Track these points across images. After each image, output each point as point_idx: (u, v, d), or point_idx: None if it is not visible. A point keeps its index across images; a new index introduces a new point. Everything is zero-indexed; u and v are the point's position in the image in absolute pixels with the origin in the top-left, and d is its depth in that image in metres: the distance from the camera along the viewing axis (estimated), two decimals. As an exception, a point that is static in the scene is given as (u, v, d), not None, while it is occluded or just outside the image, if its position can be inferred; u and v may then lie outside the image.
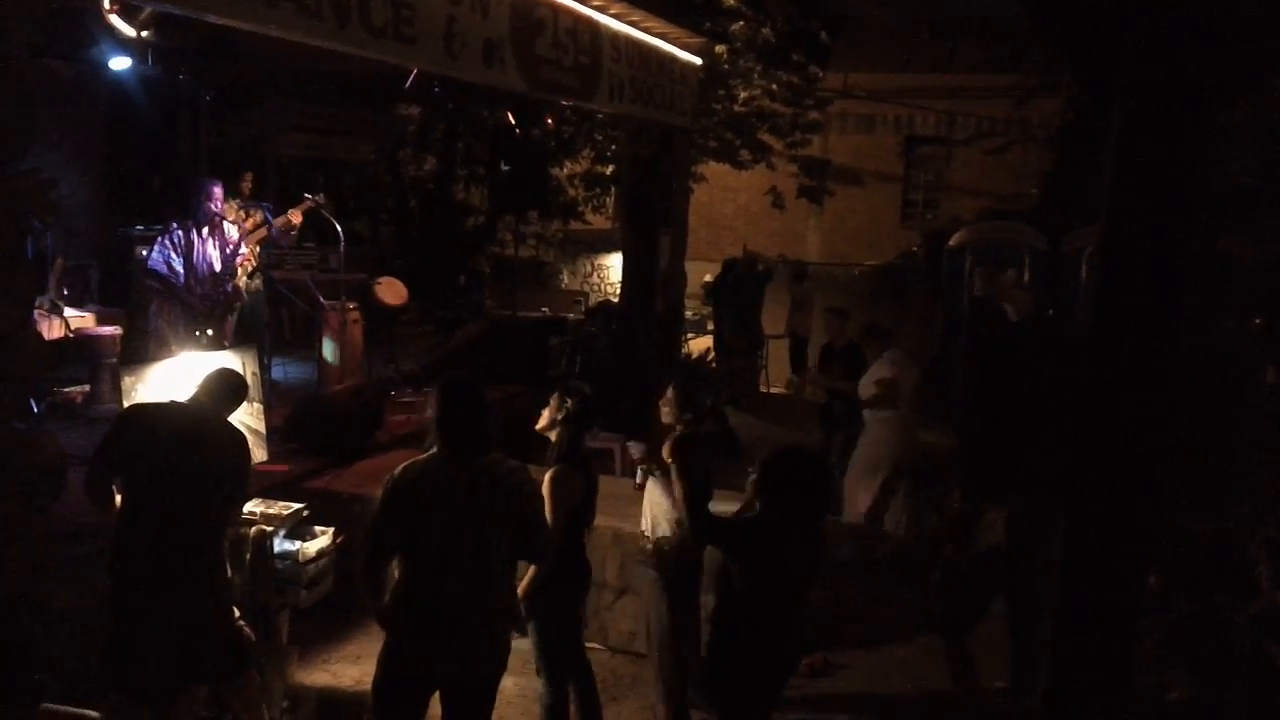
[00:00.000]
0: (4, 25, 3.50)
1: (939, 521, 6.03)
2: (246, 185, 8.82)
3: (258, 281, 8.36)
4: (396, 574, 4.02)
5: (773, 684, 4.26)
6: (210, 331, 7.36)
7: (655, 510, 5.21)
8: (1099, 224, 2.56)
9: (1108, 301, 2.53)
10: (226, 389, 4.55)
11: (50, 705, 4.03)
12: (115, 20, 5.19)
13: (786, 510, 4.08)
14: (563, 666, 4.85)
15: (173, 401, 4.55)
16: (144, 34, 5.34)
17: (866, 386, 7.76)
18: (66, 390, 8.23)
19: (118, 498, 4.30)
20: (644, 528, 5.28)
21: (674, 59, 9.69)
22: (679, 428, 5.21)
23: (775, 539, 4.05)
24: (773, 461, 4.22)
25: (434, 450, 3.97)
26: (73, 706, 4.15)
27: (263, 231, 7.99)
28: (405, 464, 3.97)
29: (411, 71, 8.93)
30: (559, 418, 4.83)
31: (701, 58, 10.44)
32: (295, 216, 8.16)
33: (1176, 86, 2.16)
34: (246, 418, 5.56)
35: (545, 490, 4.54)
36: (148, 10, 5.23)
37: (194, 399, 4.50)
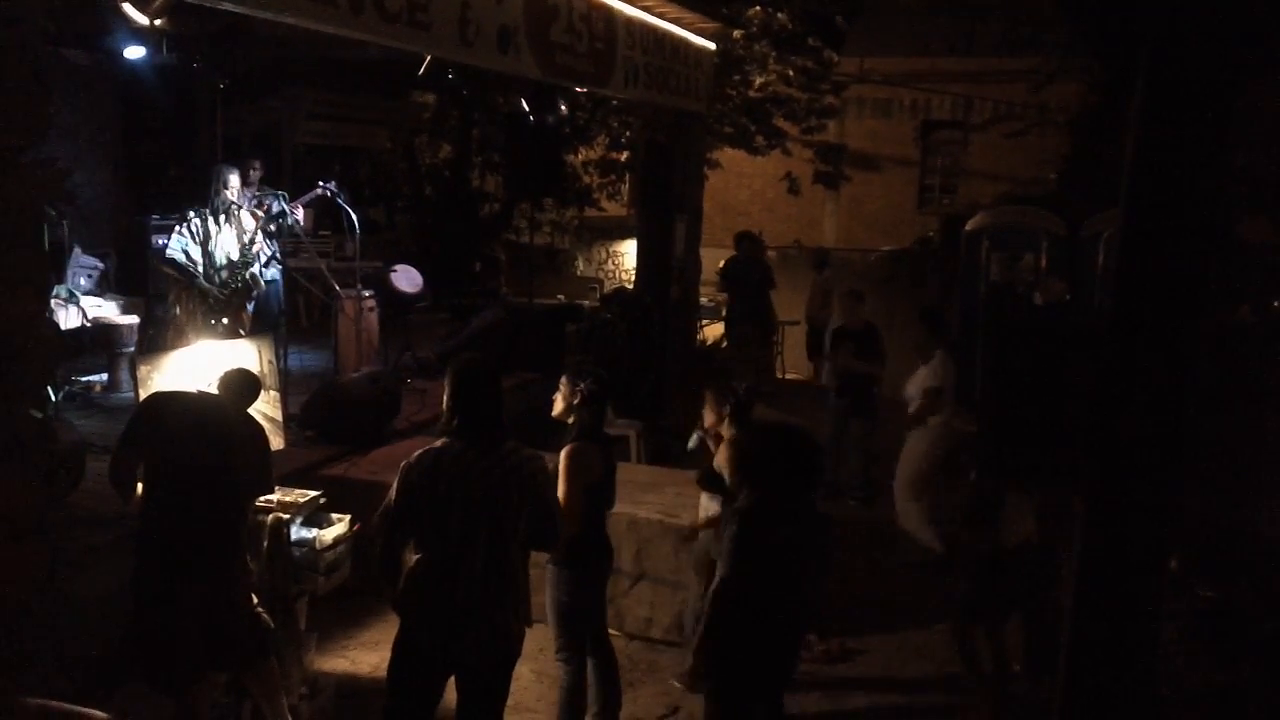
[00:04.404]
0: (18, 13, 3.50)
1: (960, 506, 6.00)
2: (253, 172, 8.82)
3: (274, 270, 8.37)
4: (411, 560, 4.02)
5: (773, 669, 4.19)
6: (226, 320, 7.37)
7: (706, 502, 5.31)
8: (1119, 207, 2.53)
9: (1128, 283, 2.51)
10: (245, 387, 4.59)
11: (50, 702, 4.05)
12: (128, 8, 5.18)
13: (775, 490, 4.03)
14: (581, 647, 4.86)
15: (197, 391, 4.59)
16: (157, 22, 5.32)
17: (912, 389, 7.66)
18: (85, 380, 8.28)
19: (139, 486, 4.33)
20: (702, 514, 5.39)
21: (688, 44, 9.65)
22: (722, 428, 5.28)
23: (762, 526, 3.99)
24: (754, 442, 4.19)
25: (449, 437, 3.97)
26: (89, 697, 4.17)
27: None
28: (421, 451, 3.96)
29: (425, 58, 8.92)
30: (575, 401, 4.84)
31: (716, 43, 10.40)
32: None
33: (1198, 64, 2.14)
34: (263, 405, 5.57)
35: (561, 465, 4.56)
36: (162, -1, 5.24)
37: (214, 392, 4.54)
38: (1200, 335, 2.62)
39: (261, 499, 4.82)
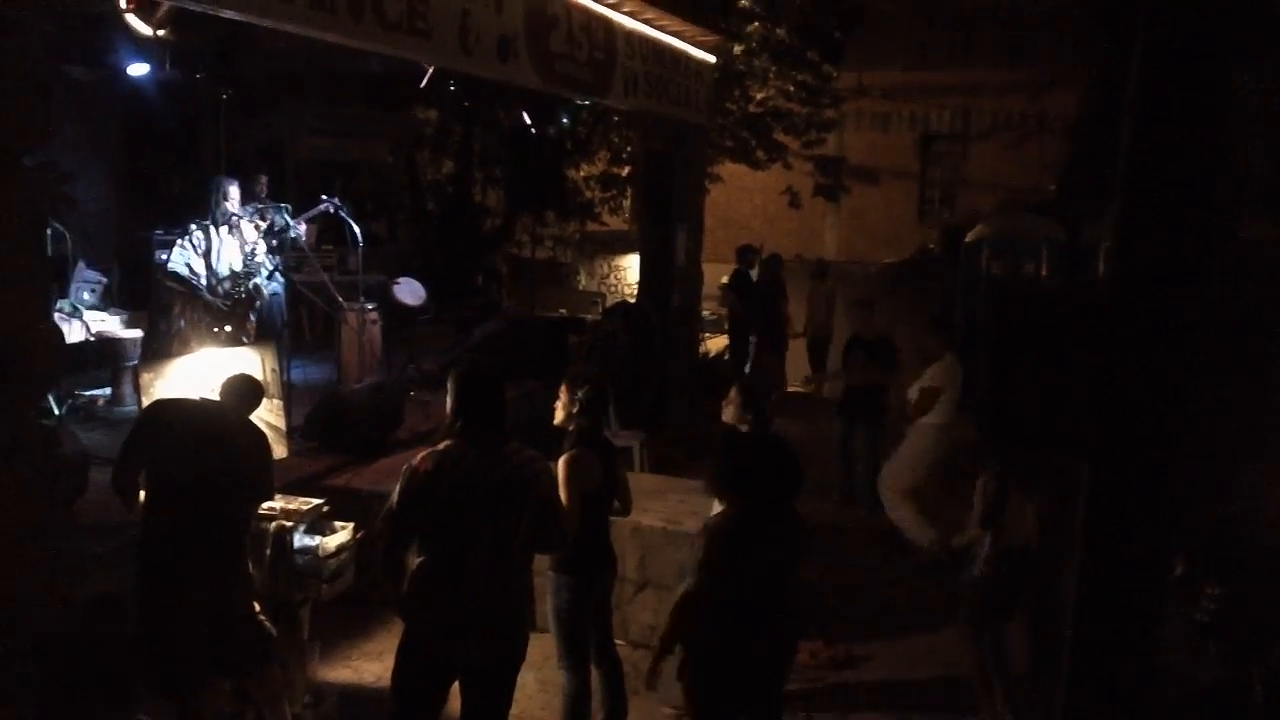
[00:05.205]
0: (21, 18, 3.52)
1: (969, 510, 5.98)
2: (260, 187, 8.88)
3: (276, 283, 8.39)
4: (414, 562, 4.01)
5: (757, 683, 4.06)
6: (230, 328, 7.39)
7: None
8: (1116, 194, 2.52)
9: (1127, 268, 2.51)
10: (247, 391, 4.59)
11: None
12: (132, 19, 5.20)
13: (753, 501, 3.95)
14: (583, 654, 4.84)
15: (198, 398, 4.58)
16: (160, 33, 5.35)
17: (913, 391, 7.71)
18: (88, 394, 8.29)
19: (141, 494, 4.33)
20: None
21: (688, 56, 9.69)
22: (742, 428, 5.28)
23: (747, 535, 3.91)
24: (731, 452, 4.14)
25: (452, 440, 3.96)
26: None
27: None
28: (424, 453, 3.96)
29: (427, 72, 8.97)
30: (574, 410, 4.84)
31: (716, 56, 10.42)
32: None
33: (1197, 36, 2.14)
34: (266, 414, 5.57)
35: (560, 473, 4.54)
36: (164, 8, 5.25)
37: (216, 399, 4.53)
38: (1202, 322, 2.62)
39: (264, 506, 4.83)
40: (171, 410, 4.52)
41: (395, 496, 3.91)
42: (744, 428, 5.30)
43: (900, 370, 8.66)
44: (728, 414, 5.41)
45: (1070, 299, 2.44)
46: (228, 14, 4.58)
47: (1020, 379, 2.45)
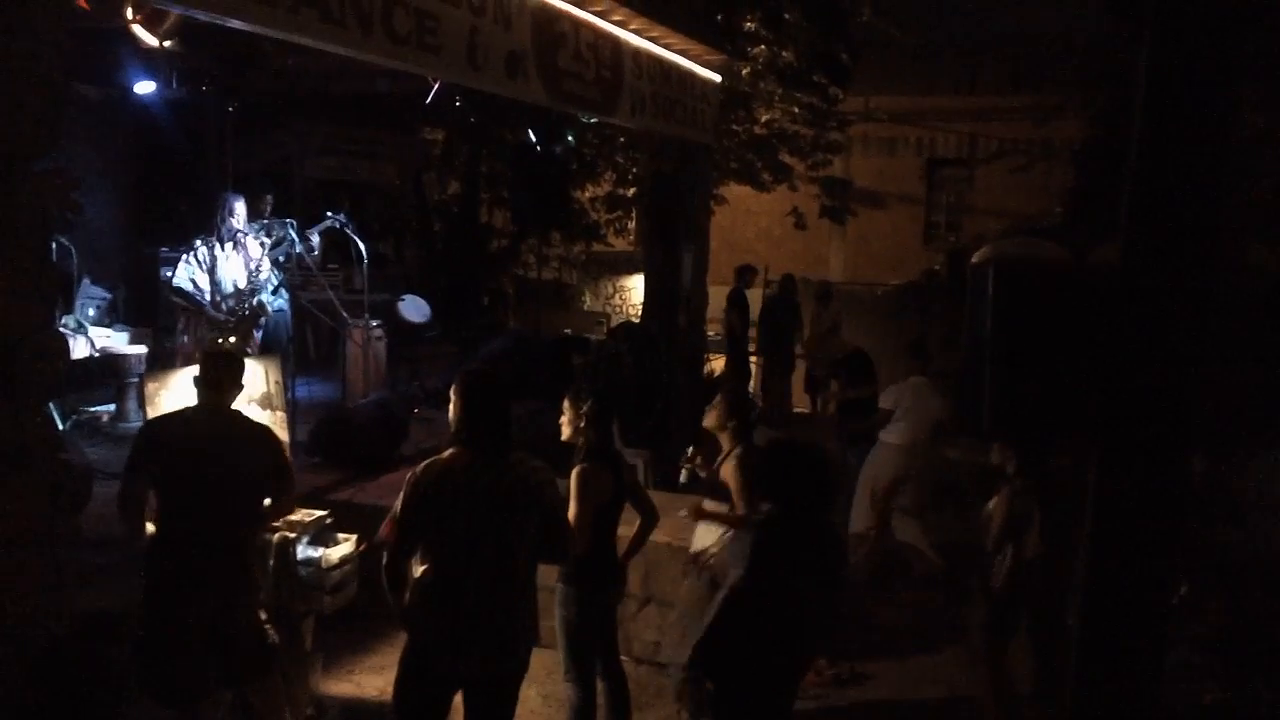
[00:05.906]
0: (33, 21, 3.54)
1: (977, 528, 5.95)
2: (265, 206, 8.90)
3: (281, 299, 8.40)
4: (417, 571, 3.98)
5: (775, 686, 4.04)
6: (234, 339, 7.38)
7: (703, 531, 5.29)
8: (1126, 182, 2.51)
9: (1134, 272, 2.50)
10: (223, 373, 4.46)
11: None
12: (139, 30, 5.22)
13: (794, 506, 3.95)
14: (590, 667, 4.81)
15: (190, 407, 4.51)
16: (167, 44, 5.36)
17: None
18: (92, 410, 8.29)
19: (149, 526, 4.30)
20: (694, 547, 5.35)
21: (694, 75, 9.71)
22: (725, 436, 5.28)
23: (781, 539, 3.91)
24: (776, 457, 4.15)
25: (456, 448, 3.95)
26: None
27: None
28: (428, 461, 3.94)
29: (432, 91, 9.00)
30: (581, 424, 4.83)
31: (722, 75, 10.45)
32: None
33: (1204, 51, 2.14)
34: (271, 425, 5.57)
35: (572, 487, 4.53)
36: (172, 19, 5.26)
37: (204, 398, 4.44)
38: (1209, 336, 2.61)
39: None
40: (166, 424, 4.49)
41: (399, 504, 3.90)
42: (724, 435, 5.31)
43: (872, 378, 8.74)
44: (710, 419, 5.40)
45: (1078, 283, 2.42)
46: (235, 24, 4.58)
47: (1026, 373, 2.44)
